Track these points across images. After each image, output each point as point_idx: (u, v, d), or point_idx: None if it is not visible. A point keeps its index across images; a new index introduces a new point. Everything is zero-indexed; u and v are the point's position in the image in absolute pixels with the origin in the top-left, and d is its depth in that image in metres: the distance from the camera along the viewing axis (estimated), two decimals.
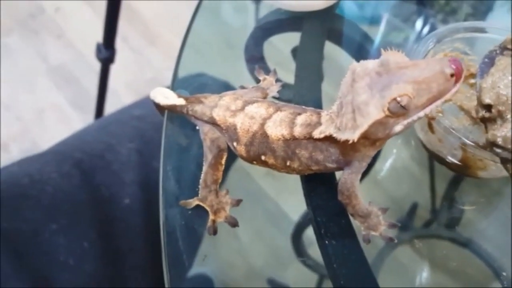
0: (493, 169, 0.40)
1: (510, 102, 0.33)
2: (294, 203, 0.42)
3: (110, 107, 1.16)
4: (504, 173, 0.34)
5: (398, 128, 0.32)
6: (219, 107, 0.39)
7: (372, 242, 0.37)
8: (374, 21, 0.60)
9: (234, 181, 0.44)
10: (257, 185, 0.45)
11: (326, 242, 0.37)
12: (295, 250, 0.43)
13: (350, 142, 0.32)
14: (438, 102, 0.31)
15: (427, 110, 0.31)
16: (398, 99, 0.30)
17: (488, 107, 0.34)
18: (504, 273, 0.41)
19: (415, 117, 0.31)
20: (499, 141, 0.33)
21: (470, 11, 0.61)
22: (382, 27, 0.59)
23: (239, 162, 0.43)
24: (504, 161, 0.34)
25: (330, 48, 0.53)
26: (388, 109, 0.30)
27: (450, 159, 0.42)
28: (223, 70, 0.52)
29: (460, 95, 0.44)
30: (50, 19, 1.60)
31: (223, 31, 0.57)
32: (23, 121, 1.36)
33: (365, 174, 0.44)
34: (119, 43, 1.50)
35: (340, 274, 0.36)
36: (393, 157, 0.48)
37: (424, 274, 0.42)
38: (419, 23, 0.60)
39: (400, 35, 0.60)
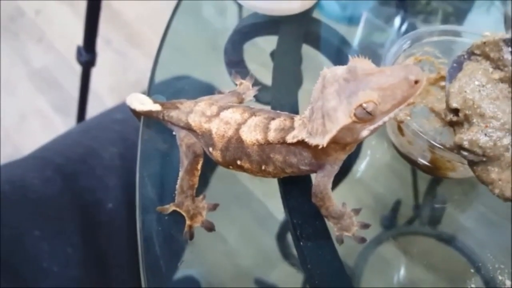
0: (462, 170, 0.41)
1: (476, 106, 0.34)
2: (280, 204, 0.43)
3: (93, 110, 1.15)
4: (472, 173, 0.35)
5: (365, 133, 0.33)
6: (194, 113, 0.39)
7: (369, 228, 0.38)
8: (355, 20, 0.61)
9: (220, 183, 0.44)
10: (243, 187, 0.45)
11: (301, 243, 0.38)
12: (280, 250, 0.43)
13: (320, 147, 0.33)
14: (402, 107, 0.32)
15: (392, 115, 0.32)
16: (364, 105, 0.31)
17: (455, 111, 0.35)
18: (486, 268, 0.42)
19: (380, 122, 0.32)
20: (466, 144, 0.33)
21: (451, 11, 0.62)
22: (361, 27, 0.60)
23: None
24: (471, 164, 0.35)
25: (312, 49, 0.54)
26: (355, 115, 0.31)
27: (420, 160, 0.43)
28: (206, 72, 0.52)
29: (431, 97, 0.45)
30: (31, 22, 1.59)
31: (205, 32, 0.57)
32: (4, 126, 1.34)
33: (342, 177, 0.45)
34: (102, 46, 1.50)
35: (314, 274, 0.37)
36: (368, 158, 0.49)
37: (408, 270, 0.43)
38: (399, 23, 0.61)
39: (381, 35, 0.60)
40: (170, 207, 0.39)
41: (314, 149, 0.35)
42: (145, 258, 0.37)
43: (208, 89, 0.47)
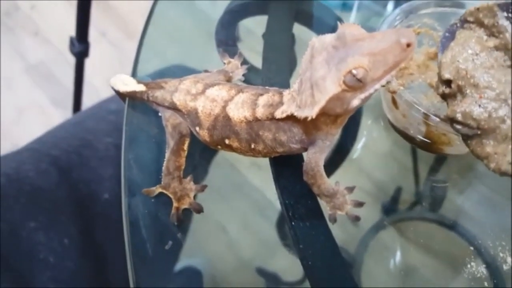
0: (458, 144, 0.40)
1: (469, 76, 0.32)
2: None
3: (89, 102, 1.14)
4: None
5: (355, 102, 0.31)
6: (179, 92, 0.38)
7: (357, 225, 0.36)
8: (349, 6, 0.59)
9: (218, 173, 0.43)
10: (242, 176, 0.45)
11: (293, 223, 0.37)
12: (280, 238, 0.43)
13: (309, 119, 0.31)
14: (393, 73, 0.30)
15: (383, 81, 0.30)
16: (354, 71, 0.29)
17: (448, 83, 0.33)
18: (487, 252, 0.41)
19: (372, 90, 0.30)
20: (459, 116, 0.32)
21: None
22: (355, 12, 0.59)
23: (222, 154, 0.42)
24: (465, 138, 0.33)
25: (308, 32, 0.52)
26: (344, 82, 0.29)
27: (417, 136, 0.41)
28: (199, 60, 0.51)
29: (430, 72, 0.44)
30: (26, 17, 1.58)
31: (197, 20, 0.56)
32: (2, 120, 1.34)
33: (340, 161, 0.44)
34: (97, 37, 1.49)
35: (307, 254, 0.36)
36: (365, 138, 0.48)
37: (409, 256, 0.42)
38: (394, 8, 0.59)
39: (377, 21, 0.58)
40: (156, 189, 0.38)
41: (304, 123, 0.33)
42: (131, 242, 0.36)
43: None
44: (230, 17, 0.53)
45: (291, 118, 0.34)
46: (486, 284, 0.39)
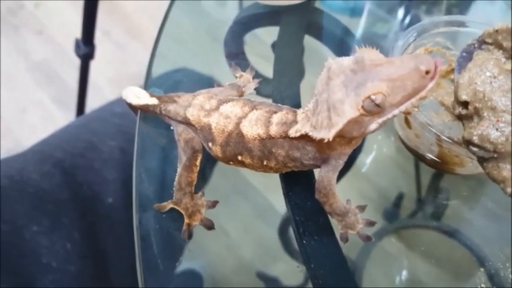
0: (470, 165, 0.40)
1: (487, 99, 0.32)
2: (282, 196, 0.42)
3: (93, 103, 1.14)
4: (481, 170, 0.33)
5: (373, 126, 0.31)
6: (193, 107, 0.38)
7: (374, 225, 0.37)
8: (357, 11, 0.59)
9: (221, 177, 0.43)
10: (244, 180, 0.44)
11: (304, 241, 0.37)
12: (282, 243, 0.42)
13: (326, 141, 0.31)
14: (413, 100, 0.30)
15: (402, 107, 0.30)
16: (373, 97, 0.29)
17: (465, 104, 0.33)
18: (490, 262, 0.41)
19: (390, 115, 0.30)
20: (475, 139, 0.32)
21: (453, 2, 0.61)
22: (364, 17, 0.58)
23: None
24: (480, 160, 0.33)
25: (313, 41, 0.52)
26: (363, 107, 0.29)
27: (428, 155, 0.41)
28: (205, 64, 0.51)
29: (441, 90, 0.44)
30: (30, 15, 1.57)
31: (204, 23, 0.55)
32: (5, 119, 1.33)
33: (346, 170, 0.44)
34: (101, 38, 1.48)
35: (318, 274, 0.35)
36: (374, 152, 0.47)
37: (410, 264, 0.42)
38: (402, 14, 0.59)
39: (384, 26, 0.59)
40: (168, 205, 0.38)
41: (318, 143, 0.33)
42: (142, 258, 0.36)
43: (208, 82, 0.46)
44: (240, 28, 0.53)
45: (305, 137, 0.34)
46: None
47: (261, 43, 0.54)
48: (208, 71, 0.50)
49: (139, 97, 0.40)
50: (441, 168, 0.43)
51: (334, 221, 0.37)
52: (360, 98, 0.29)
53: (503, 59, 0.33)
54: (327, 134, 0.31)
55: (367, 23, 0.58)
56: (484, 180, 0.45)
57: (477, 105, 0.32)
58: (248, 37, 0.53)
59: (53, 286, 0.54)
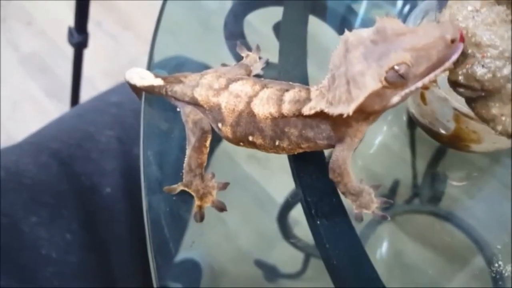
0: (487, 141, 0.39)
1: (470, 35, 0.30)
2: (279, 184, 0.42)
3: (86, 95, 1.12)
4: (497, 146, 0.32)
5: (395, 99, 0.30)
6: (201, 86, 0.37)
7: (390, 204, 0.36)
8: None
9: (217, 165, 0.42)
10: (241, 169, 0.44)
11: (318, 222, 0.36)
12: (281, 231, 0.42)
13: (345, 116, 0.30)
14: (438, 71, 0.29)
15: (426, 79, 0.29)
16: (397, 67, 0.28)
17: None
18: (487, 248, 0.40)
19: (413, 88, 0.29)
20: (461, 79, 0.30)
21: None
22: (365, 3, 0.58)
23: (222, 147, 0.41)
24: (469, 101, 0.31)
25: (311, 27, 0.51)
26: (386, 78, 0.28)
27: (442, 131, 0.40)
28: (201, 53, 0.49)
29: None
30: (19, 6, 1.54)
31: (199, 12, 0.54)
32: None
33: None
34: (93, 28, 1.45)
35: (333, 254, 0.35)
36: (369, 139, 0.47)
37: (408, 250, 0.41)
38: (402, 1, 0.58)
39: (381, 13, 0.58)
40: (178, 187, 0.37)
41: (334, 120, 0.32)
42: (153, 241, 0.35)
43: (205, 68, 0.44)
44: (243, 8, 0.52)
45: (319, 115, 0.33)
46: (485, 278, 0.39)
47: (256, 31, 0.52)
48: (205, 60, 0.49)
49: (144, 78, 0.39)
50: (457, 146, 0.42)
51: (347, 201, 0.36)
52: (383, 69, 0.28)
53: None
54: (347, 109, 0.30)
55: (367, 9, 0.57)
56: (481, 164, 0.45)
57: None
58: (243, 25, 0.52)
59: (54, 278, 0.53)
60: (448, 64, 0.29)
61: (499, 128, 0.29)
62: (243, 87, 0.35)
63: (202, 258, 0.39)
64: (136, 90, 0.40)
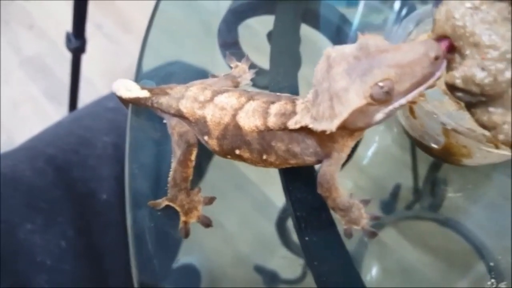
0: (478, 156, 0.38)
1: (468, 34, 0.27)
2: (279, 189, 0.40)
3: (85, 97, 1.13)
4: (488, 161, 0.31)
5: (379, 116, 0.29)
6: (186, 99, 0.36)
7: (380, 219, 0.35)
8: (352, 2, 0.58)
9: (218, 170, 0.42)
10: (241, 173, 0.43)
11: (307, 238, 0.35)
12: (279, 236, 0.42)
13: (328, 132, 0.30)
14: (422, 88, 0.28)
15: (410, 96, 0.29)
16: (381, 84, 0.27)
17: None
18: (489, 254, 0.40)
19: (397, 105, 0.29)
20: (458, 82, 0.28)
21: None
22: (360, 8, 0.57)
23: None
24: (468, 106, 0.29)
25: (309, 31, 0.51)
26: (370, 95, 0.28)
27: (433, 145, 0.40)
28: (199, 56, 0.49)
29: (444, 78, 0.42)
30: (21, 8, 1.54)
31: (196, 14, 0.54)
32: None
33: (345, 162, 0.43)
34: (93, 31, 1.46)
35: (322, 271, 0.34)
36: (375, 145, 0.46)
37: (408, 255, 0.41)
38: (398, 4, 0.58)
39: (379, 17, 0.58)
40: (163, 202, 0.36)
41: (319, 135, 0.32)
42: (137, 258, 0.34)
43: (202, 74, 0.44)
44: (234, 17, 0.52)
45: (305, 129, 0.32)
46: (486, 284, 0.38)
47: (255, 34, 0.52)
48: (202, 63, 0.48)
49: (130, 90, 0.38)
50: (448, 160, 0.41)
51: (337, 217, 0.35)
52: (368, 85, 0.28)
53: None
54: (330, 126, 0.29)
55: (363, 13, 0.57)
56: (482, 171, 0.44)
57: (457, 43, 0.28)
58: (242, 28, 0.51)
59: (48, 285, 0.53)
60: (432, 81, 0.28)
61: (501, 137, 0.28)
62: (229, 99, 0.35)
63: (201, 263, 0.39)
64: (123, 101, 0.40)
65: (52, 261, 0.53)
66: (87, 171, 0.60)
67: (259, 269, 0.40)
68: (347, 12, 0.56)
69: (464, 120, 0.36)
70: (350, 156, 0.43)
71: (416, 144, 0.42)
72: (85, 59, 1.04)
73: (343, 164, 0.41)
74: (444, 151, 0.39)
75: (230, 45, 0.49)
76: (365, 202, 0.35)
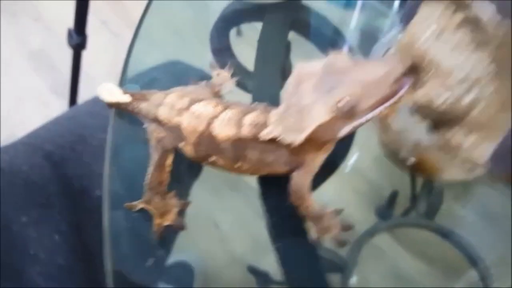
0: (451, 172, 0.38)
1: (431, 57, 0.28)
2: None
3: (87, 92, 1.13)
4: (462, 177, 0.31)
5: (344, 130, 0.30)
6: (164, 106, 0.37)
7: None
8: (352, 3, 0.58)
9: (213, 170, 0.41)
10: (236, 174, 0.43)
11: (280, 244, 0.36)
12: (271, 237, 0.41)
13: (295, 145, 0.30)
14: (386, 105, 0.29)
15: (375, 112, 0.30)
16: (345, 100, 0.28)
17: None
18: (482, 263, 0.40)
19: (362, 119, 0.30)
20: (422, 102, 0.29)
21: None
22: (358, 11, 0.57)
23: None
24: (434, 124, 0.30)
25: (304, 41, 0.51)
26: (335, 110, 0.29)
27: (407, 160, 0.40)
28: (196, 56, 0.50)
29: (418, 90, 0.42)
30: (27, 2, 1.56)
31: (193, 14, 0.55)
32: (1, 107, 1.33)
33: (328, 175, 0.43)
34: (99, 27, 1.47)
35: (293, 277, 0.35)
36: (374, 151, 0.46)
37: (402, 262, 0.41)
38: (398, 6, 0.57)
39: (379, 19, 0.58)
40: (139, 204, 0.37)
41: (289, 146, 0.33)
42: (112, 257, 0.35)
43: (198, 74, 0.45)
44: (224, 24, 0.52)
45: (276, 140, 0.33)
46: None
47: (256, 31, 0.52)
48: (198, 63, 0.49)
49: (112, 94, 0.40)
50: (422, 174, 0.42)
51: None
52: (333, 101, 0.29)
53: (452, 9, 0.28)
54: (297, 138, 0.30)
55: (362, 15, 0.57)
56: (477, 181, 0.44)
57: (421, 64, 0.29)
58: (245, 27, 0.52)
59: (41, 277, 0.54)
60: (396, 98, 0.29)
61: (463, 155, 0.29)
62: (205, 108, 0.36)
63: (195, 262, 0.39)
64: (108, 105, 0.41)
65: (45, 254, 0.54)
66: (82, 168, 0.61)
67: (253, 270, 0.41)
68: (345, 14, 0.56)
69: (434, 137, 0.37)
70: (333, 170, 0.44)
71: (392, 160, 0.43)
72: (89, 54, 1.04)
73: (325, 178, 0.42)
74: (418, 167, 0.40)
75: (222, 51, 0.49)
76: (337, 212, 0.36)
